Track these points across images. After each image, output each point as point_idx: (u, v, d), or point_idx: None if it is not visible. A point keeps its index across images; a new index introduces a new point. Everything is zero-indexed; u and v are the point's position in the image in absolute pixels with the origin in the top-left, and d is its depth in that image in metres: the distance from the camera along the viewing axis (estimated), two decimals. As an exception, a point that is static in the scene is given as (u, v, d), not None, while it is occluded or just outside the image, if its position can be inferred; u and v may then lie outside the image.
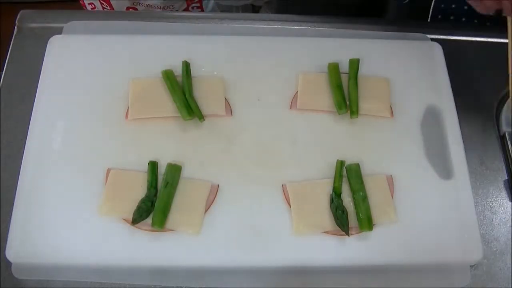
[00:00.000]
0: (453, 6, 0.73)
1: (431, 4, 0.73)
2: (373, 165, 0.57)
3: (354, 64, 0.60)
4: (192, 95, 0.58)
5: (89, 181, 0.54)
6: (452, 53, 0.67)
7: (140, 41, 0.62)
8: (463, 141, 0.59)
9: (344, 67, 0.61)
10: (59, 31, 0.64)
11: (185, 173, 0.55)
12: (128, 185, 0.54)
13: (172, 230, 0.52)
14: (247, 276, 0.52)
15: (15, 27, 0.66)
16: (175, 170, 0.54)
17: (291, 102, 0.60)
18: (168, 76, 0.59)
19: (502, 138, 0.62)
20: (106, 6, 0.96)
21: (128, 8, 0.97)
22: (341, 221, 0.52)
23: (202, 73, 0.61)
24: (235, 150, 0.57)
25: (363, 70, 0.61)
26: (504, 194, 0.59)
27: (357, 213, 0.52)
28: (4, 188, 0.56)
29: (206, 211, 0.53)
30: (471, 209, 0.55)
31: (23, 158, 0.55)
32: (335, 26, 0.68)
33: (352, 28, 0.68)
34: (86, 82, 0.60)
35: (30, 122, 0.57)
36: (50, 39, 0.62)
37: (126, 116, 0.58)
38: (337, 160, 0.55)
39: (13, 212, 0.53)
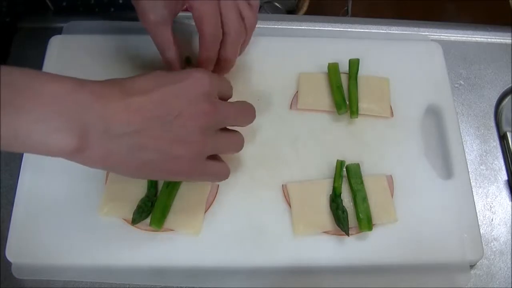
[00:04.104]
0: None
1: None
2: (373, 165, 0.57)
3: (354, 64, 0.60)
4: None
5: (89, 181, 0.54)
6: (452, 53, 0.67)
7: (140, 41, 0.62)
8: (463, 141, 0.59)
9: (344, 67, 0.61)
10: (59, 31, 0.64)
11: (185, 173, 0.55)
12: (128, 185, 0.54)
13: (172, 230, 0.52)
14: (247, 276, 0.52)
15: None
16: (175, 170, 0.54)
17: (291, 102, 0.60)
18: None
19: (502, 138, 0.62)
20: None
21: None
22: (341, 221, 0.52)
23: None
24: (235, 150, 0.57)
25: (363, 70, 0.61)
26: (504, 194, 0.59)
27: (357, 213, 0.52)
28: (4, 188, 0.56)
29: (206, 211, 0.53)
30: (471, 209, 0.55)
31: (23, 158, 0.55)
32: (335, 26, 0.68)
33: (352, 28, 0.68)
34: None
35: (30, 122, 0.57)
36: (50, 39, 0.62)
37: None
38: (337, 160, 0.55)
39: (13, 212, 0.53)
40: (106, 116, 0.38)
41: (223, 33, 0.51)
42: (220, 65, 0.54)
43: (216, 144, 0.45)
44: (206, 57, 0.52)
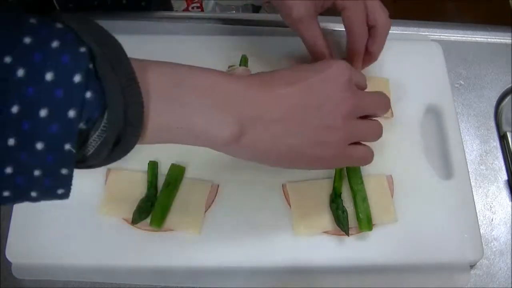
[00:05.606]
0: None
1: None
2: (373, 165, 0.56)
3: (354, 64, 0.60)
4: None
5: (89, 181, 0.54)
6: (452, 53, 0.67)
7: (140, 41, 0.62)
8: (463, 141, 0.59)
9: (344, 67, 0.61)
10: (59, 31, 0.63)
11: (185, 173, 0.55)
12: (128, 185, 0.54)
13: (172, 230, 0.52)
14: (247, 276, 0.52)
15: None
16: (178, 171, 0.54)
17: (291, 102, 0.60)
18: None
19: (502, 138, 0.62)
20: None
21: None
22: (341, 221, 0.52)
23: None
24: (235, 150, 0.57)
25: (363, 70, 0.61)
26: (504, 194, 0.59)
27: (357, 213, 0.52)
28: (4, 188, 0.56)
29: (206, 211, 0.53)
30: (471, 209, 0.55)
31: (23, 158, 0.55)
32: (335, 26, 0.68)
33: (352, 28, 0.68)
34: (86, 82, 0.60)
35: (30, 122, 0.57)
36: (50, 39, 0.62)
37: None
38: (337, 160, 0.55)
39: (13, 212, 0.53)
40: (257, 103, 0.40)
41: (375, 27, 0.54)
42: (370, 58, 0.57)
43: (357, 131, 0.46)
44: (355, 52, 0.55)
